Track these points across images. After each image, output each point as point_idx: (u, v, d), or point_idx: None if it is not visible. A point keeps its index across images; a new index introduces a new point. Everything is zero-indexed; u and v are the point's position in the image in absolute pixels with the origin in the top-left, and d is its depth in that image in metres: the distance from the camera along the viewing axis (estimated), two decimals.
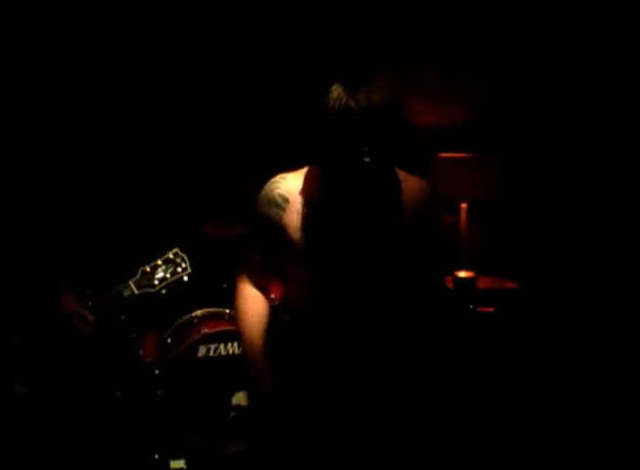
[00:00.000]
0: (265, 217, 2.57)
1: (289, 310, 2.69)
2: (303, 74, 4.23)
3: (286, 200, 2.55)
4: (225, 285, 4.01)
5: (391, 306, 2.58)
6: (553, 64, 4.31)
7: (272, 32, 4.34)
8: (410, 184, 2.55)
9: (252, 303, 2.69)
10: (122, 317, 3.70)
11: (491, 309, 4.12)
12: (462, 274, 4.16)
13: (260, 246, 2.64)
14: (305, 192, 2.54)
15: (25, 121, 3.62)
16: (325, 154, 2.43)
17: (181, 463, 3.71)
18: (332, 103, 2.33)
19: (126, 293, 2.78)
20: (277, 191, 2.56)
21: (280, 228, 2.55)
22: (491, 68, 4.40)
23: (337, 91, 2.34)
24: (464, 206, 4.22)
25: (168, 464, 3.69)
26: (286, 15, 4.33)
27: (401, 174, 2.56)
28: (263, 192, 2.59)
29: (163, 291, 2.82)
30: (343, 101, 2.30)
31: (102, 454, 3.47)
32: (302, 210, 2.53)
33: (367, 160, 2.34)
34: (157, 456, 3.68)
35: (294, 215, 2.54)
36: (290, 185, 2.56)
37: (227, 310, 3.92)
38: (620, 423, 3.66)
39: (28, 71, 3.82)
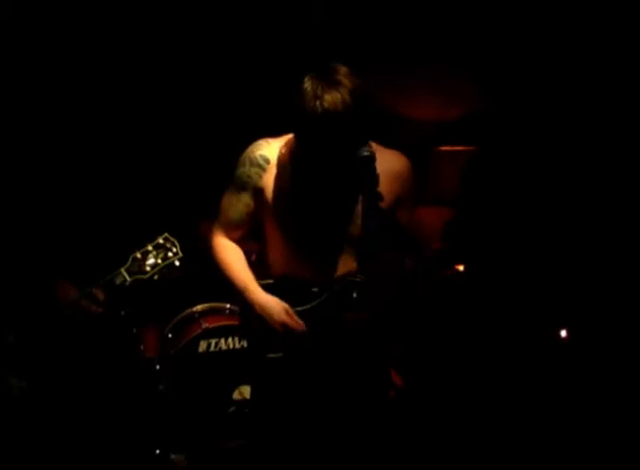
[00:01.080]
0: (245, 176, 2.63)
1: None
2: (303, 74, 4.23)
3: (267, 161, 2.61)
4: None
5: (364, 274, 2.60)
6: (552, 59, 4.31)
7: (272, 32, 4.35)
8: (385, 156, 2.56)
9: (230, 247, 2.73)
10: (122, 313, 3.72)
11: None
12: (461, 268, 4.16)
13: (239, 203, 2.67)
14: (285, 159, 2.60)
15: (24, 119, 3.65)
16: (301, 142, 2.49)
17: (182, 457, 3.70)
18: (307, 97, 2.38)
19: (118, 280, 2.75)
20: (259, 152, 2.62)
21: (258, 188, 2.62)
22: (491, 62, 4.41)
23: (310, 85, 2.39)
24: None
25: (169, 458, 3.69)
26: (286, 15, 4.35)
27: (375, 147, 2.55)
28: (246, 152, 2.65)
29: (155, 277, 2.79)
30: (317, 94, 2.35)
31: (103, 449, 3.47)
32: (281, 175, 2.58)
33: (364, 153, 2.39)
34: (157, 451, 3.68)
35: (272, 177, 2.59)
36: (272, 149, 2.62)
37: (227, 305, 3.93)
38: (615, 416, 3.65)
39: (28, 71, 3.85)
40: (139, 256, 2.77)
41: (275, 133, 2.69)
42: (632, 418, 3.59)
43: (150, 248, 2.79)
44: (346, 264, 2.61)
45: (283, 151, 2.61)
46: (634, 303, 3.91)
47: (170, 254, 2.79)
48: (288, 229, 2.61)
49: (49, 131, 3.72)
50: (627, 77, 4.13)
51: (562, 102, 4.30)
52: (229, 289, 2.73)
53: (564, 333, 4.00)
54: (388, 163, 2.55)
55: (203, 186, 4.18)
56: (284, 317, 2.56)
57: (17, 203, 3.06)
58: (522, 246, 4.30)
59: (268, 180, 2.60)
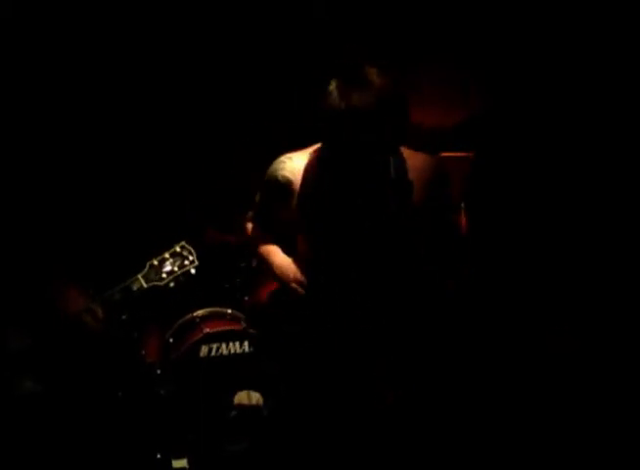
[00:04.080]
0: (270, 198, 2.66)
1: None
2: (304, 75, 4.23)
3: (290, 182, 2.58)
4: (227, 285, 4.02)
5: (392, 286, 2.61)
6: (555, 65, 4.31)
7: (272, 32, 4.33)
8: (416, 161, 2.56)
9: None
10: (124, 317, 3.71)
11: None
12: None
13: (268, 215, 2.72)
14: (311, 172, 2.57)
15: (26, 121, 3.63)
16: (329, 145, 2.45)
17: (183, 462, 3.71)
18: (334, 97, 2.32)
19: (135, 287, 2.78)
20: (282, 173, 2.60)
21: (285, 205, 2.61)
22: (492, 68, 4.41)
23: (337, 86, 2.34)
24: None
25: (170, 463, 3.70)
26: (286, 15, 4.33)
27: (406, 152, 2.56)
28: (269, 172, 2.64)
29: (172, 284, 2.82)
30: (347, 94, 2.30)
31: (104, 454, 3.46)
32: (307, 190, 2.56)
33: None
34: (159, 455, 3.68)
35: (297, 193, 2.57)
36: (294, 165, 2.59)
37: (228, 310, 3.94)
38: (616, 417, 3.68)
39: (28, 71, 3.83)
40: (156, 263, 2.80)
41: (275, 132, 2.69)
42: (632, 419, 3.63)
43: (167, 255, 2.81)
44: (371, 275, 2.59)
45: (306, 165, 2.58)
46: (634, 305, 3.94)
47: (187, 262, 2.81)
48: (317, 242, 2.60)
49: (52, 133, 3.70)
50: (629, 79, 4.14)
51: (565, 106, 4.30)
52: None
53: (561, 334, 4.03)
54: (420, 168, 2.55)
55: (209, 193, 4.18)
56: (298, 277, 2.61)
57: (30, 208, 3.06)
58: (523, 249, 4.33)
59: (293, 198, 2.58)
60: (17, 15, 3.79)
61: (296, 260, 2.70)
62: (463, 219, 3.90)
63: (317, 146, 2.60)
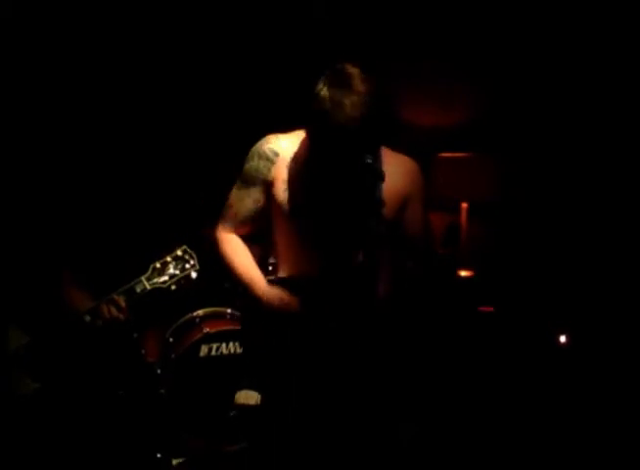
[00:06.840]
0: (254, 170, 2.64)
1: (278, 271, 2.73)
2: (304, 75, 4.22)
3: (276, 153, 2.62)
4: (226, 284, 4.02)
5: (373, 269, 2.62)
6: (552, 65, 4.32)
7: (272, 32, 4.34)
8: (393, 159, 2.60)
9: (235, 242, 2.75)
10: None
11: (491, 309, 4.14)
12: (463, 273, 4.18)
13: (248, 199, 2.68)
14: (295, 152, 2.60)
15: (26, 121, 3.63)
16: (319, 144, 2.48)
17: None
18: (323, 101, 2.38)
19: (139, 288, 2.82)
20: (268, 146, 2.63)
21: (267, 182, 2.62)
22: (491, 68, 4.41)
23: (325, 89, 2.39)
24: (464, 205, 4.24)
25: (170, 462, 3.70)
26: (286, 15, 4.34)
27: (384, 150, 2.59)
28: (254, 147, 2.67)
29: (173, 287, 2.85)
30: (336, 99, 2.36)
31: (105, 453, 3.47)
32: (291, 168, 2.59)
33: (367, 160, 2.40)
34: (159, 455, 3.69)
35: (283, 170, 2.61)
36: (281, 143, 2.63)
37: (228, 310, 3.94)
38: (619, 425, 3.68)
39: (28, 71, 3.83)
40: (158, 265, 2.83)
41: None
42: (632, 422, 3.63)
43: (169, 259, 2.84)
44: (355, 263, 2.59)
45: (293, 145, 2.61)
46: (634, 307, 3.95)
47: (188, 265, 2.84)
48: (297, 224, 2.61)
49: (54, 136, 3.71)
50: (628, 81, 4.15)
51: (562, 107, 4.31)
52: (233, 285, 2.79)
53: (563, 339, 4.03)
54: (395, 165, 2.58)
55: (205, 194, 4.19)
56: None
57: (35, 210, 3.07)
58: (524, 251, 4.34)
59: (277, 173, 2.61)
60: (17, 15, 3.79)
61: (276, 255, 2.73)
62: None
63: (301, 132, 2.61)
